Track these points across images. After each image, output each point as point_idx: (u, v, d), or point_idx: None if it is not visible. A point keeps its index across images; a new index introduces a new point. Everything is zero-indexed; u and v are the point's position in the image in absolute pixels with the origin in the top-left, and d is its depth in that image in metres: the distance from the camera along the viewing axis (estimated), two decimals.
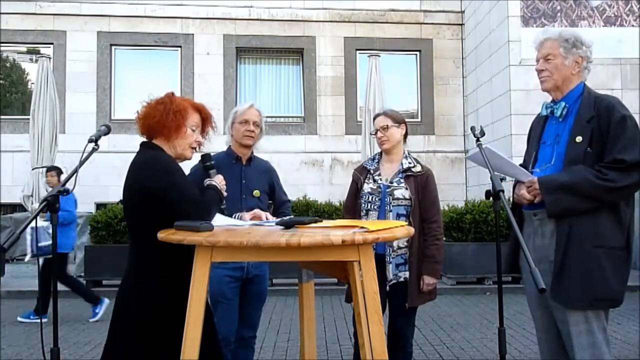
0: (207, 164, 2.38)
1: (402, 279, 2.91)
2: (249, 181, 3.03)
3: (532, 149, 2.53)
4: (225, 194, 2.29)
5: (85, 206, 10.85)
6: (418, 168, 3.02)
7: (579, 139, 2.27)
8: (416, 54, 13.00)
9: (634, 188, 2.23)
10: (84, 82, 12.17)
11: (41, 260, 6.17)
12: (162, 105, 2.18)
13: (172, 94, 2.27)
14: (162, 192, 2.04)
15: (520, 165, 2.52)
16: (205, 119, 2.32)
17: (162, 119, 2.16)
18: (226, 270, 2.87)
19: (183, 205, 2.02)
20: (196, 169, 2.73)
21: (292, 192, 3.60)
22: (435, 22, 12.89)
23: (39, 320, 4.81)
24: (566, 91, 2.41)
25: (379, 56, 9.14)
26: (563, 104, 2.40)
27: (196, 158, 2.46)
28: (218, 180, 2.29)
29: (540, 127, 2.52)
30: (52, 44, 12.27)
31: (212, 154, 2.45)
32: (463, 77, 12.83)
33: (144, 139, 2.25)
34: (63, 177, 6.25)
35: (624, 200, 2.26)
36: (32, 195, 8.68)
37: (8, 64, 13.02)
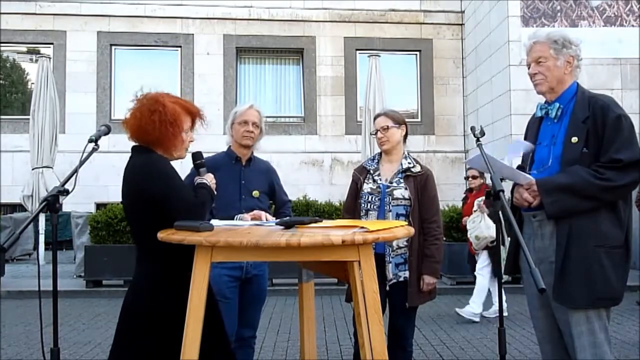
0: (198, 162, 2.40)
1: (402, 279, 2.91)
2: (249, 181, 3.03)
3: None
4: (215, 192, 2.30)
5: (85, 206, 10.88)
6: (417, 168, 3.03)
7: (574, 139, 2.27)
8: (416, 54, 13.01)
9: (631, 186, 2.25)
10: (84, 82, 12.18)
11: None
12: (157, 116, 2.11)
13: (161, 96, 2.18)
14: (158, 197, 2.06)
15: (518, 167, 2.52)
16: (195, 118, 2.29)
17: (160, 134, 2.12)
18: (225, 269, 2.87)
19: (177, 207, 2.05)
20: (192, 170, 2.73)
21: (292, 192, 3.60)
22: (435, 22, 12.89)
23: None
24: (560, 92, 2.41)
25: (379, 56, 9.14)
26: (557, 104, 2.40)
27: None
28: (209, 179, 2.30)
29: (535, 129, 2.52)
30: (52, 44, 12.28)
31: (202, 152, 2.45)
32: (463, 77, 12.83)
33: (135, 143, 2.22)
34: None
35: (622, 199, 2.27)
36: (32, 195, 8.70)
37: (8, 64, 13.02)
